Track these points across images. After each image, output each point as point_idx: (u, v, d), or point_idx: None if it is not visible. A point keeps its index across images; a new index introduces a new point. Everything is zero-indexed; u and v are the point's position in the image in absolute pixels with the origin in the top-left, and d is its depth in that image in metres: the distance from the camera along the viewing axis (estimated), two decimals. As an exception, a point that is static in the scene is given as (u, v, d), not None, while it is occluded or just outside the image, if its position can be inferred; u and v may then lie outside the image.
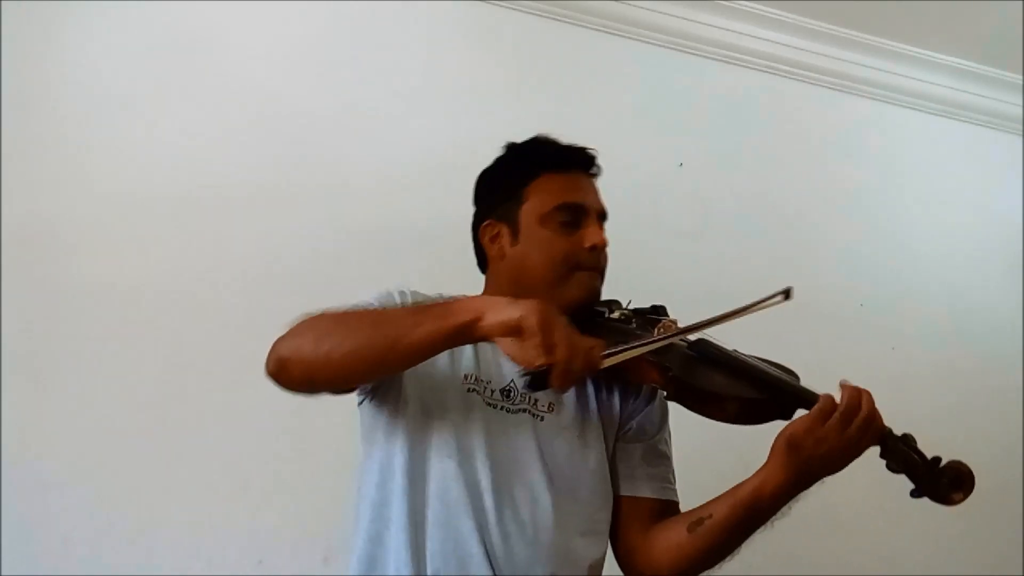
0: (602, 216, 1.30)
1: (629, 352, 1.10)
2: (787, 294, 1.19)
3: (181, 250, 1.88)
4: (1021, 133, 2.76)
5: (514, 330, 0.98)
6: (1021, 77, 2.64)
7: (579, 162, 1.32)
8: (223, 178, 1.93)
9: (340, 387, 1.14)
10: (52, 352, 1.78)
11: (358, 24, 2.11)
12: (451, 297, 1.17)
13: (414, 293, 1.25)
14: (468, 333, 1.02)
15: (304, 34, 2.07)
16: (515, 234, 1.27)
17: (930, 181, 2.65)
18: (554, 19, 2.27)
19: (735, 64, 2.45)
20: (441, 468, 1.14)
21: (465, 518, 1.12)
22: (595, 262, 1.26)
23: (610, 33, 2.33)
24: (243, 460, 1.83)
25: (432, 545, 1.11)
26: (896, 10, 2.38)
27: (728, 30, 2.41)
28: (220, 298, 1.88)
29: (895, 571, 2.31)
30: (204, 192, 1.91)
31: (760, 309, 1.17)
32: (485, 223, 1.31)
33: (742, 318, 1.16)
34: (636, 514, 1.24)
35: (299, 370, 1.07)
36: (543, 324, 0.97)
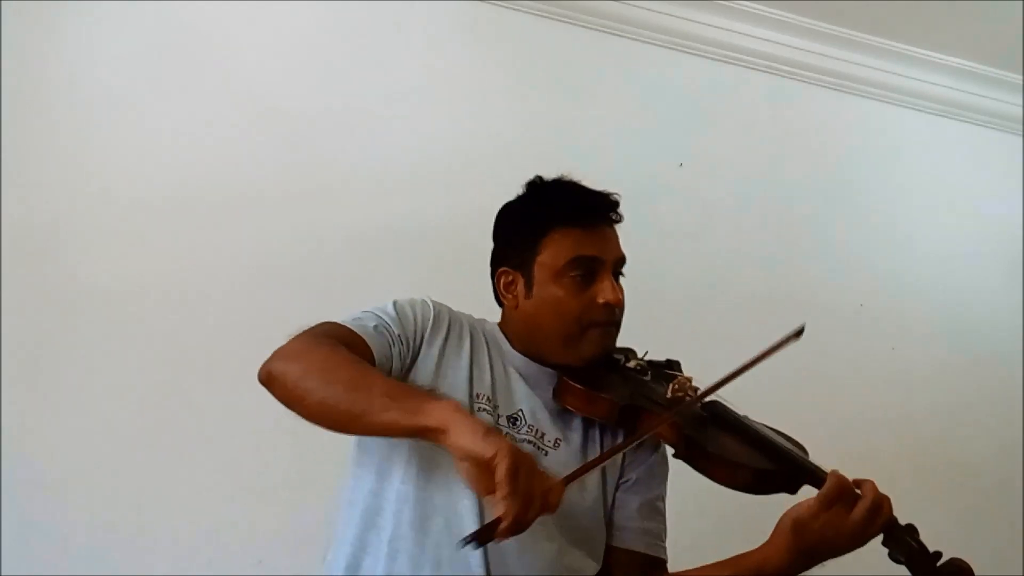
0: (619, 264, 1.27)
1: (589, 467, 1.09)
2: (799, 333, 1.15)
3: (181, 250, 1.88)
4: (1021, 133, 2.76)
5: (477, 464, 0.95)
6: (1021, 77, 2.65)
7: (598, 212, 1.27)
8: (223, 178, 1.93)
9: (311, 422, 1.12)
10: (52, 352, 1.78)
11: (358, 24, 2.11)
12: (429, 391, 1.15)
13: (437, 305, 1.25)
14: (430, 438, 1.00)
15: (304, 34, 2.07)
16: (529, 287, 1.25)
17: (930, 181, 2.65)
18: (554, 19, 2.27)
19: (735, 64, 2.45)
20: (448, 482, 1.12)
21: (468, 558, 1.10)
22: (609, 318, 1.24)
23: (610, 33, 2.33)
24: (243, 460, 1.83)
25: (432, 555, 1.11)
26: (896, 10, 2.38)
27: (728, 30, 2.41)
28: (220, 298, 1.88)
29: (895, 571, 2.30)
30: (204, 192, 1.91)
31: (773, 353, 1.14)
32: (500, 269, 1.29)
33: (757, 365, 1.12)
34: (626, 566, 1.23)
35: (280, 393, 1.09)
36: (511, 474, 0.92)
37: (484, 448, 0.94)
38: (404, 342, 1.18)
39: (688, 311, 2.12)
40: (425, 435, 1.00)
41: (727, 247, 2.35)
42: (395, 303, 1.22)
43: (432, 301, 1.25)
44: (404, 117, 2.09)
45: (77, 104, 1.87)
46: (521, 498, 0.93)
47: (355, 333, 1.14)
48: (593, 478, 1.22)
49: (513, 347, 1.28)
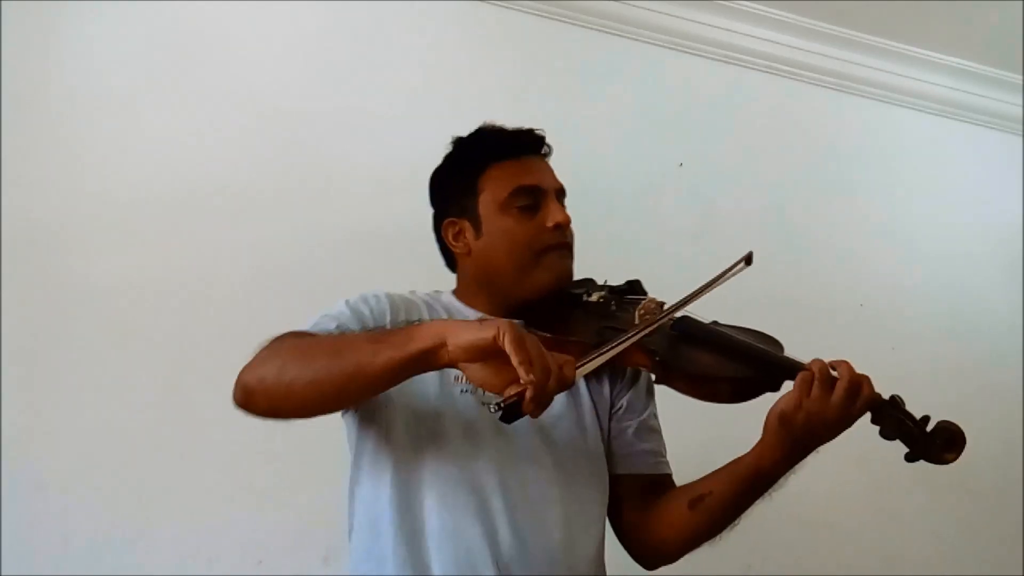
0: (560, 194, 1.29)
1: (600, 357, 1.07)
2: (748, 260, 1.18)
3: (181, 250, 1.88)
4: (1021, 133, 2.76)
5: (485, 352, 0.93)
6: (1021, 77, 2.65)
7: (527, 145, 1.30)
8: (223, 178, 1.93)
9: (306, 416, 1.10)
10: (52, 352, 1.77)
11: (358, 24, 2.11)
12: (416, 321, 1.15)
13: (389, 295, 1.24)
14: (431, 360, 0.97)
15: (303, 34, 2.07)
16: (477, 227, 1.26)
17: (930, 181, 2.65)
18: (554, 19, 2.27)
19: (735, 64, 2.45)
20: (442, 474, 1.12)
21: (474, 523, 1.10)
22: (561, 240, 1.25)
23: (610, 33, 2.33)
24: (243, 460, 1.82)
25: (438, 556, 1.10)
26: (896, 10, 2.38)
27: (728, 30, 2.41)
28: (220, 298, 1.88)
29: (895, 571, 2.31)
30: (204, 192, 1.91)
31: (726, 280, 1.18)
32: (446, 221, 1.30)
33: (712, 291, 1.18)
34: (634, 491, 1.25)
35: (264, 401, 1.06)
36: (518, 341, 0.91)
37: (484, 332, 0.92)
38: None
39: (688, 311, 2.12)
40: (427, 360, 0.97)
41: (727, 247, 2.34)
42: (347, 303, 1.21)
43: (385, 293, 1.24)
44: (404, 117, 2.09)
45: (77, 104, 1.87)
46: (538, 365, 0.91)
47: (317, 335, 1.12)
48: (588, 417, 1.24)
49: (474, 309, 1.28)
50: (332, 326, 1.15)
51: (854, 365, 1.12)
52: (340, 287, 1.90)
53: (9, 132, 1.79)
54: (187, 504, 1.78)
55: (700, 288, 1.18)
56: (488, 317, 0.99)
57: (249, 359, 1.09)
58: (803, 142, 2.52)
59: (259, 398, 1.06)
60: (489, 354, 0.93)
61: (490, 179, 1.26)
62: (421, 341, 0.97)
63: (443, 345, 0.95)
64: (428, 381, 1.16)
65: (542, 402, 0.92)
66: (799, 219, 2.46)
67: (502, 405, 0.92)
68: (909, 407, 1.14)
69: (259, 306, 1.89)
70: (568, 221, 1.26)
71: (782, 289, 2.31)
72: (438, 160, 2.09)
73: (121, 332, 1.81)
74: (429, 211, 2.08)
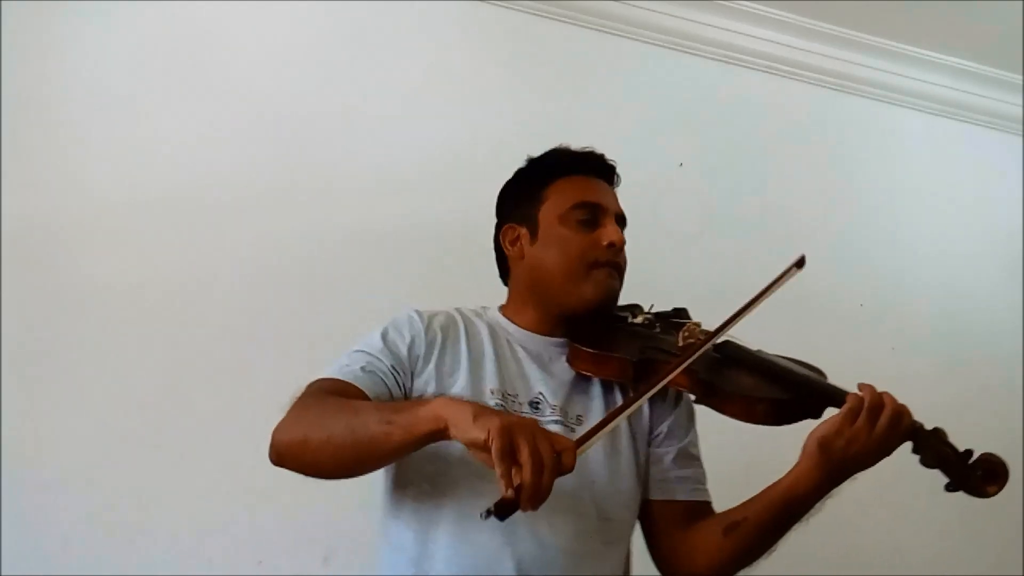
0: (621, 219, 1.32)
1: (604, 429, 1.05)
2: (800, 263, 1.19)
3: (181, 250, 1.88)
4: (1021, 133, 2.76)
5: (481, 449, 0.94)
6: (1021, 77, 2.64)
7: (597, 168, 1.34)
8: (223, 178, 1.93)
9: (339, 479, 1.15)
10: (52, 352, 1.77)
11: (358, 24, 2.11)
12: (419, 398, 1.17)
13: (422, 315, 1.25)
14: (439, 438, 1.00)
15: (304, 34, 2.07)
16: (534, 234, 1.29)
17: (930, 181, 2.65)
18: (554, 19, 2.27)
19: (735, 64, 2.45)
20: (469, 469, 1.11)
21: (494, 532, 1.10)
22: (612, 259, 1.27)
23: (610, 33, 2.33)
24: (243, 460, 1.82)
25: (457, 550, 1.12)
26: (896, 10, 2.38)
27: (728, 30, 2.41)
28: (220, 298, 1.88)
29: (897, 568, 2.31)
30: (204, 192, 1.91)
31: (778, 287, 1.18)
32: (505, 226, 1.33)
33: (762, 304, 1.19)
34: (671, 517, 1.25)
35: (295, 465, 1.11)
36: (504, 451, 0.91)
37: (477, 433, 0.94)
38: (398, 371, 1.19)
39: (688, 312, 2.12)
40: (434, 439, 1.01)
41: (727, 247, 2.35)
42: (383, 334, 1.22)
43: (419, 314, 1.26)
44: (404, 117, 2.09)
45: (77, 104, 1.87)
46: (529, 465, 0.91)
47: (344, 382, 1.14)
48: (624, 439, 1.24)
49: (518, 325, 1.30)
50: (358, 367, 1.16)
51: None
52: (340, 287, 1.92)
53: (9, 132, 1.79)
54: (187, 504, 1.78)
55: (750, 301, 1.19)
56: (485, 409, 1.00)
57: (282, 416, 1.12)
58: (803, 142, 2.52)
59: (291, 462, 1.11)
60: (484, 451, 0.94)
61: (555, 190, 1.30)
62: (426, 424, 1.00)
63: (446, 430, 0.98)
64: (460, 391, 1.18)
65: (539, 499, 0.92)
66: (799, 219, 2.46)
67: (491, 511, 0.92)
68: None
69: (259, 306, 1.89)
70: (623, 243, 1.28)
71: (782, 289, 2.30)
72: (438, 160, 2.10)
73: (121, 332, 1.81)
74: (429, 211, 2.09)
